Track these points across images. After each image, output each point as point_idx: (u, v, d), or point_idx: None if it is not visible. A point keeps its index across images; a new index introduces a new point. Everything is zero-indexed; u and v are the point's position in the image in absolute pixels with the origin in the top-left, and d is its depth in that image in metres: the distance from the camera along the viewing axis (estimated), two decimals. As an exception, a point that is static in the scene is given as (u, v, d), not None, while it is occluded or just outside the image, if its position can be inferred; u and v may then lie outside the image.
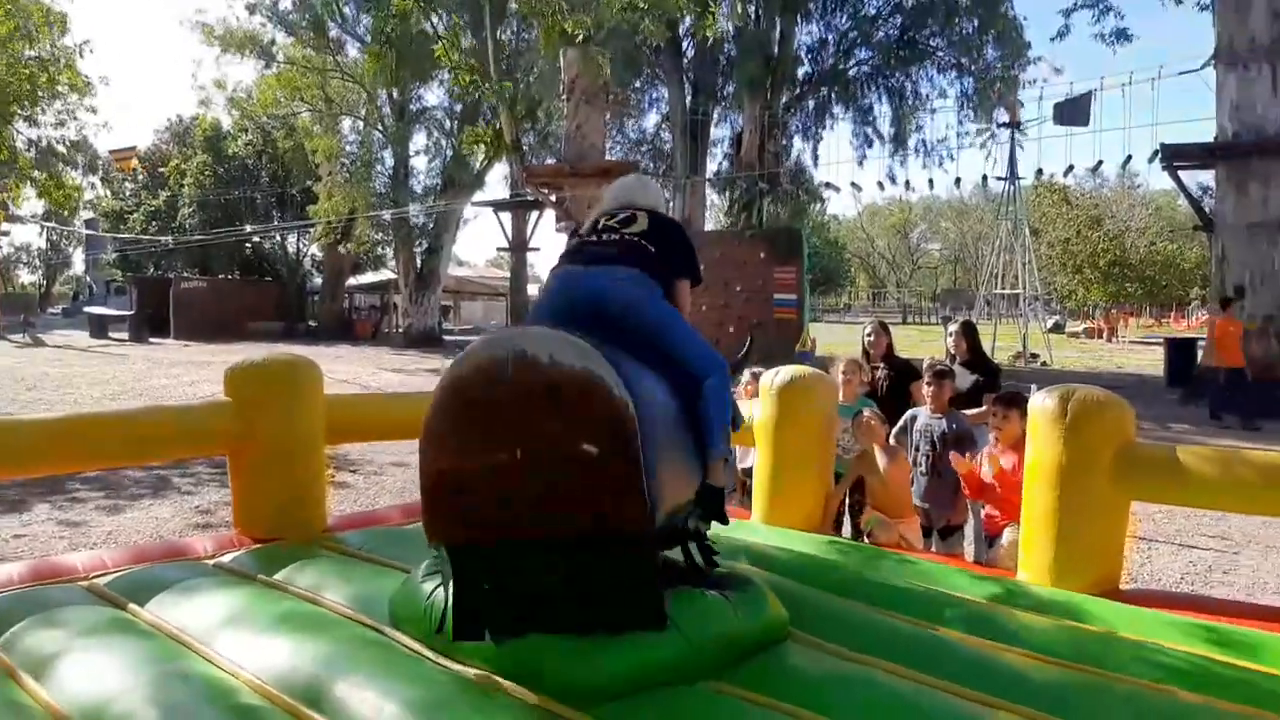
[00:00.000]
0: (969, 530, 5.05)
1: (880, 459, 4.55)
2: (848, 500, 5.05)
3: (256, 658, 2.68)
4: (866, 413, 4.68)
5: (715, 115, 25.46)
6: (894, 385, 5.42)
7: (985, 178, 26.38)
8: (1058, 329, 38.02)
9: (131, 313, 34.55)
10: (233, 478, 4.35)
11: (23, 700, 2.56)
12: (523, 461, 2.42)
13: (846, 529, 5.12)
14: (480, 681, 2.48)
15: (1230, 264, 15.66)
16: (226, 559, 3.81)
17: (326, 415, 4.34)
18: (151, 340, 31.16)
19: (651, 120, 28.10)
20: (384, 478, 8.72)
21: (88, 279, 56.09)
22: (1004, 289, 28.12)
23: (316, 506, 4.32)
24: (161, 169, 39.34)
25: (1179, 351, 19.46)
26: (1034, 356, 24.40)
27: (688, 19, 16.43)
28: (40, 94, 15.47)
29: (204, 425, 4.15)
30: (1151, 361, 24.44)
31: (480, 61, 13.54)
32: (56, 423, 4.01)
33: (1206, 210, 17.40)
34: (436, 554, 2.93)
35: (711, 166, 25.72)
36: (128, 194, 41.23)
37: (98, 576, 3.65)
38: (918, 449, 4.84)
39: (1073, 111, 22.20)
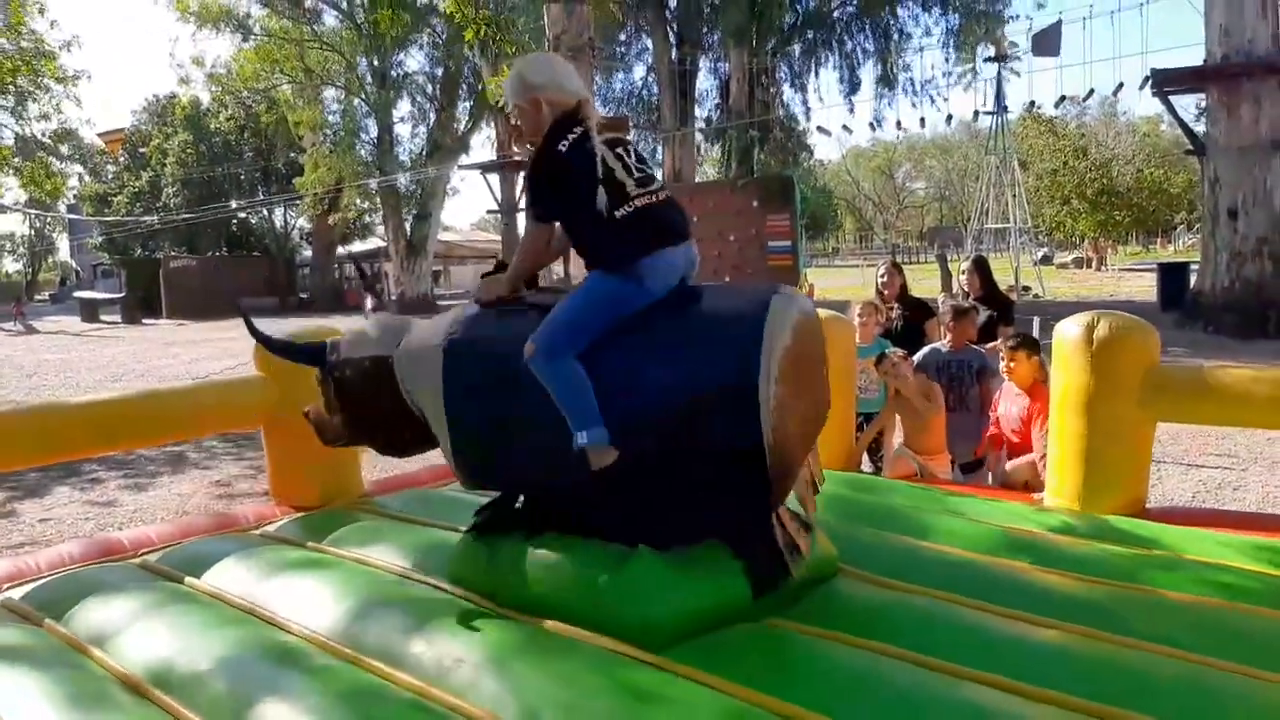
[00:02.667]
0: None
1: (918, 399, 4.60)
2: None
3: (324, 619, 2.75)
4: (893, 354, 4.72)
5: (702, 65, 25.22)
6: (909, 324, 5.48)
7: (976, 113, 26.24)
8: (1046, 261, 38.08)
9: (122, 295, 34.37)
10: (269, 449, 4.41)
11: (92, 668, 2.64)
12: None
13: (866, 467, 5.21)
14: (551, 630, 2.56)
15: (1223, 187, 15.69)
16: (272, 528, 3.89)
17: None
18: (144, 321, 31.05)
19: (638, 73, 27.81)
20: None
21: (74, 264, 55.66)
22: (993, 223, 28.11)
23: (353, 473, 4.40)
24: (143, 149, 38.87)
25: (1171, 276, 19.61)
26: (1025, 289, 24.50)
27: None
28: (20, 86, 15.26)
29: (240, 400, 4.21)
30: (1141, 288, 24.58)
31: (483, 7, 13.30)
32: (97, 405, 4.06)
33: (1197, 134, 17.39)
34: (481, 512, 3.03)
35: (700, 117, 25.50)
36: (110, 176, 40.77)
37: (147, 553, 3.73)
38: (927, 380, 4.90)
39: (1045, 42, 22.17)
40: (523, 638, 2.50)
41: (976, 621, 2.60)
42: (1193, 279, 17.86)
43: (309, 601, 2.87)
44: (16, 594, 3.23)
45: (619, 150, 2.73)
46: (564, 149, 2.66)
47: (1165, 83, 16.74)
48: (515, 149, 24.07)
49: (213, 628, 2.72)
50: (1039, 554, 3.11)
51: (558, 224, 2.83)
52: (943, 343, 5.03)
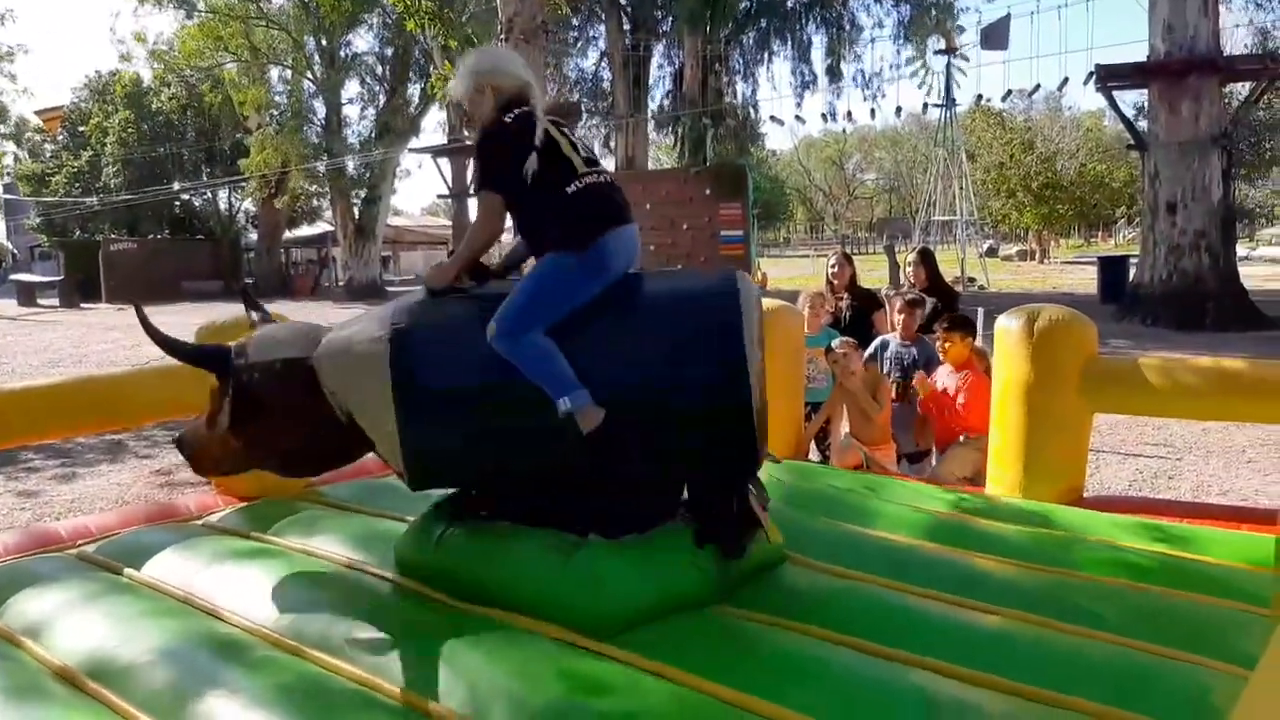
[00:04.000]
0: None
1: (862, 392, 4.65)
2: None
3: (267, 610, 2.72)
4: (838, 344, 4.77)
5: (655, 52, 25.17)
6: (857, 315, 5.54)
7: (926, 105, 26.56)
8: (992, 253, 38.76)
9: (60, 278, 33.42)
10: (210, 438, 4.32)
11: (25, 660, 2.58)
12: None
13: (814, 456, 5.26)
14: (499, 619, 2.55)
15: (1162, 181, 16.07)
16: (214, 518, 3.82)
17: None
18: (83, 305, 30.23)
19: (591, 59, 27.67)
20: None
21: (9, 246, 54.01)
22: (940, 215, 28.51)
23: (298, 462, 4.32)
24: (82, 128, 37.71)
25: (1111, 269, 20.08)
26: (971, 280, 24.92)
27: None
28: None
29: (180, 387, 4.09)
30: (1082, 281, 25.12)
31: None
32: (31, 391, 3.96)
33: (1139, 130, 17.78)
34: (437, 502, 3.00)
35: (653, 104, 25.47)
36: (48, 155, 39.56)
37: (85, 543, 3.64)
38: (888, 376, 4.98)
39: (994, 36, 22.57)
40: (471, 628, 2.49)
41: (920, 607, 2.65)
42: (1132, 272, 18.29)
43: (251, 592, 2.83)
44: (-52, 586, 3.14)
45: (564, 129, 2.82)
46: (509, 120, 2.74)
47: (1109, 78, 17.08)
48: (467, 133, 23.84)
49: (151, 619, 2.67)
50: (980, 541, 3.18)
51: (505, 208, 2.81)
52: (894, 334, 5.10)
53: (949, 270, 24.91)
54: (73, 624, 2.69)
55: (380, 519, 3.61)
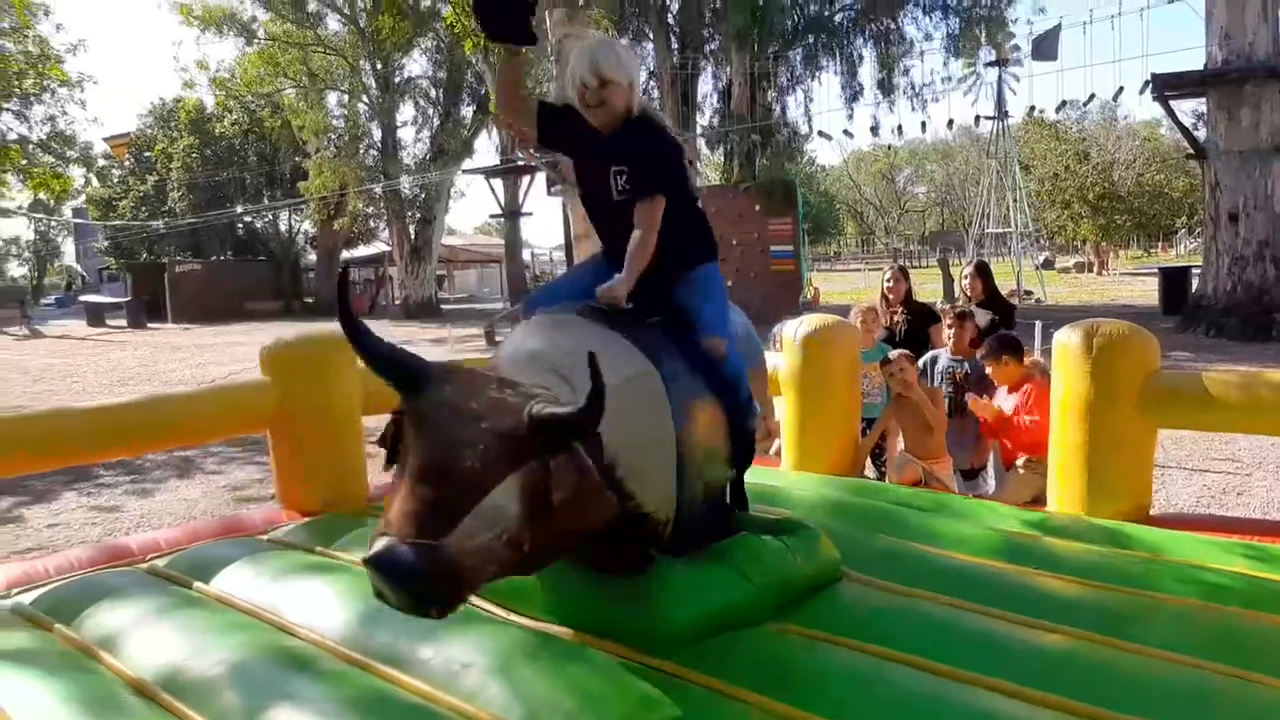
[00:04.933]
0: (990, 470, 5.17)
1: (926, 402, 4.62)
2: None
3: (332, 624, 2.77)
4: (895, 355, 4.74)
5: (703, 69, 25.27)
6: (912, 329, 5.50)
7: (978, 118, 26.25)
8: (1048, 265, 38.13)
9: (128, 299, 34.44)
10: (274, 454, 4.43)
11: (102, 673, 2.66)
12: None
13: (869, 471, 5.22)
14: (558, 636, 2.58)
15: (1223, 191, 15.69)
16: (279, 533, 3.90)
17: (361, 388, 4.42)
18: (150, 326, 31.11)
19: (640, 78, 27.83)
20: (403, 448, 8.80)
21: (79, 268, 55.78)
22: (994, 228, 28.13)
23: (359, 477, 4.42)
24: (148, 153, 38.93)
25: (1173, 280, 19.61)
26: (1028, 293, 24.52)
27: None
28: (24, 89, 15.41)
29: (247, 404, 4.23)
30: (1143, 292, 24.56)
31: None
32: (103, 410, 4.08)
33: (1198, 138, 17.39)
34: None
35: (701, 121, 25.56)
36: (115, 180, 40.86)
37: (155, 558, 3.75)
38: (932, 387, 4.93)
39: (1044, 47, 22.34)
40: (530, 643, 2.51)
41: (980, 626, 2.62)
42: (1194, 283, 17.86)
43: (317, 606, 2.89)
44: (26, 599, 3.25)
45: None
46: (674, 138, 2.86)
47: (1165, 87, 16.75)
48: (519, 154, 24.12)
49: (221, 632, 2.74)
50: (1043, 559, 3.13)
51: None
52: (944, 349, 5.05)
53: (1004, 283, 24.67)
54: (146, 636, 2.76)
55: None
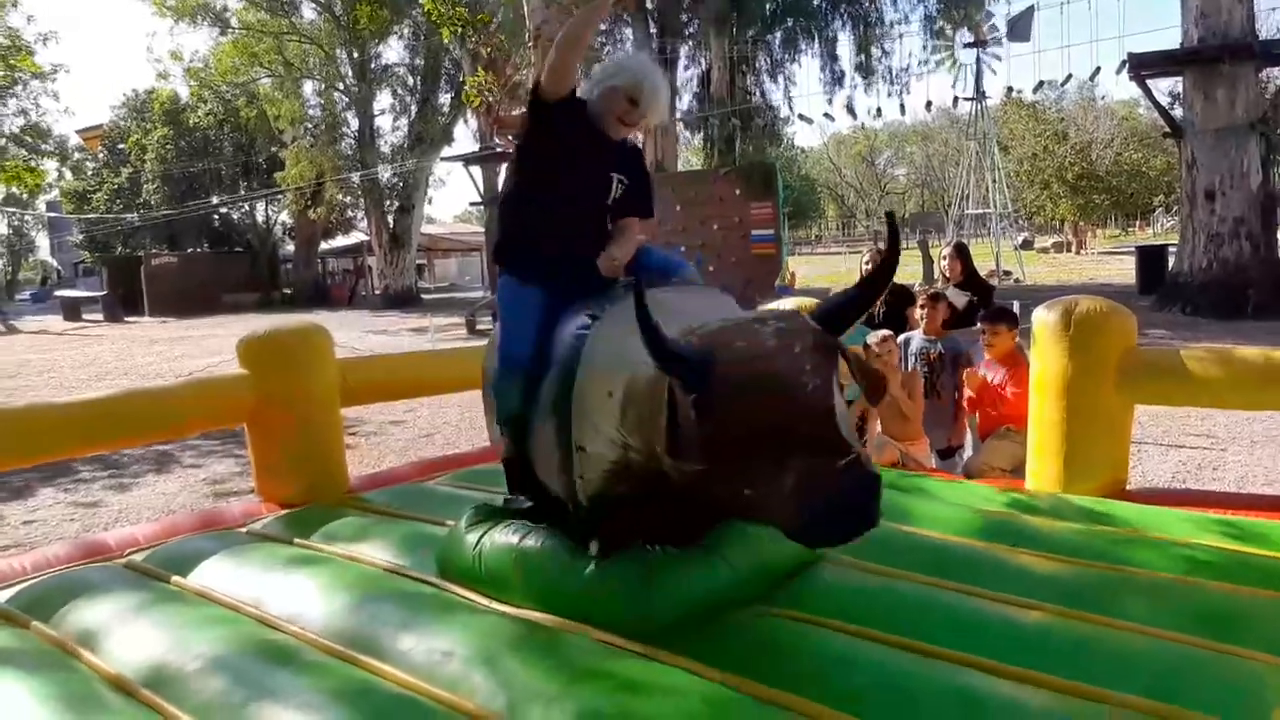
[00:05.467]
0: (968, 447, 5.20)
1: (897, 389, 4.63)
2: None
3: (312, 616, 2.76)
4: (877, 339, 4.75)
5: (682, 54, 25.17)
6: (891, 310, 5.51)
7: (955, 99, 26.31)
8: (1027, 245, 38.34)
9: (104, 293, 34.11)
10: (253, 446, 4.40)
11: (81, 669, 2.64)
12: None
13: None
14: (539, 622, 2.58)
15: (1200, 169, 15.80)
16: (258, 525, 3.88)
17: (340, 379, 4.39)
18: (127, 319, 30.83)
19: (617, 62, 27.70)
20: (384, 437, 8.77)
21: (54, 262, 55.16)
22: (974, 209, 28.24)
23: (338, 469, 4.40)
24: (122, 145, 38.47)
25: (1150, 259, 19.75)
26: (1007, 274, 24.67)
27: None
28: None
29: (222, 397, 4.19)
30: (1120, 271, 24.76)
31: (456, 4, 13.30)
32: (79, 405, 4.04)
33: (1175, 117, 17.50)
34: (475, 505, 3.03)
35: (681, 106, 25.48)
36: (89, 173, 40.37)
37: (133, 552, 3.72)
38: (911, 370, 4.95)
39: (1018, 28, 22.47)
40: (511, 630, 2.52)
41: (959, 604, 2.63)
42: (1171, 261, 18.00)
43: (297, 598, 2.88)
44: (2, 596, 3.22)
45: None
46: None
47: (1141, 66, 16.82)
48: (496, 140, 23.98)
49: (201, 627, 2.72)
50: (1020, 537, 3.15)
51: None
52: (918, 330, 5.07)
53: (984, 264, 24.81)
54: (125, 633, 2.74)
55: (420, 523, 3.65)
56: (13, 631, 2.89)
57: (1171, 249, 18.86)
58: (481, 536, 2.86)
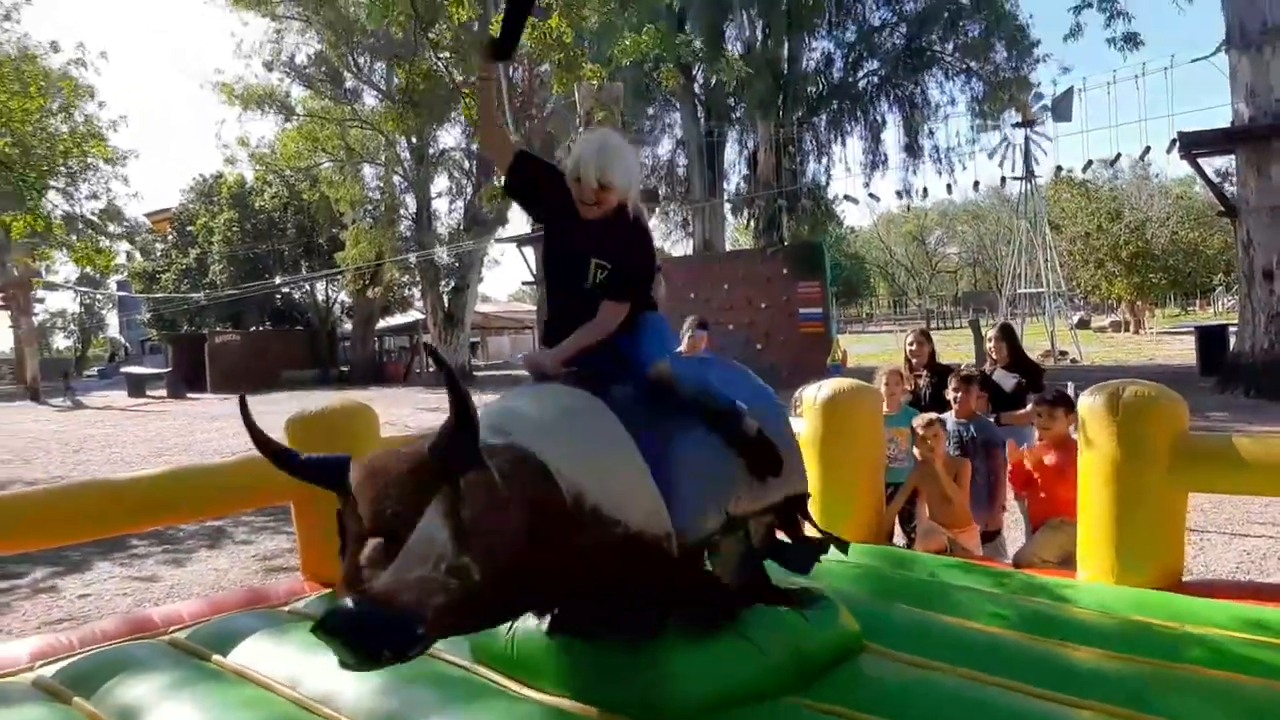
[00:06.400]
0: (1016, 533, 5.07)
1: (943, 471, 4.56)
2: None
3: (345, 699, 2.76)
4: (921, 422, 4.69)
5: (729, 137, 25.65)
6: (937, 392, 5.45)
7: (1004, 179, 26.32)
8: (1083, 325, 37.75)
9: (168, 370, 35.07)
10: (298, 524, 4.46)
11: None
12: None
13: (898, 538, 5.14)
14: (571, 710, 2.55)
15: (1256, 248, 15.51)
16: (300, 604, 3.91)
17: (385, 459, 4.45)
18: (189, 396, 31.58)
19: (666, 146, 28.34)
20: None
21: (122, 340, 57.02)
22: (1027, 288, 27.97)
23: (381, 548, 4.41)
24: (190, 227, 40.04)
25: (1210, 339, 19.27)
26: (1062, 354, 24.26)
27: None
28: (71, 167, 16.04)
29: (272, 475, 4.24)
30: (1181, 351, 24.21)
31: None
32: (134, 482, 4.14)
33: (1228, 195, 17.28)
34: None
35: (729, 187, 25.90)
36: (158, 254, 41.98)
37: (177, 630, 3.76)
38: (958, 457, 4.86)
39: (1060, 109, 22.60)
40: (542, 716, 2.49)
41: (1003, 701, 2.55)
42: (1232, 341, 17.59)
43: (332, 680, 2.88)
44: (49, 671, 3.28)
45: None
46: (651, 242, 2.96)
47: (1192, 145, 16.70)
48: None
49: (237, 707, 2.75)
50: (1067, 630, 3.06)
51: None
52: (950, 413, 5.00)
53: (1039, 343, 24.50)
54: (163, 711, 2.77)
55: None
56: (56, 707, 2.94)
57: (1232, 329, 18.44)
58: (515, 620, 2.85)
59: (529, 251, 33.06)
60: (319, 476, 2.22)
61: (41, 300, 43.27)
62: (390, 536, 1.94)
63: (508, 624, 2.87)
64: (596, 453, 2.39)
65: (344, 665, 1.88)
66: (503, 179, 2.99)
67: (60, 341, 70.27)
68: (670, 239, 31.40)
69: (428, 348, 3.11)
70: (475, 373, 33.64)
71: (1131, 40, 19.43)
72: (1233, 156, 16.93)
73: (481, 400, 2.41)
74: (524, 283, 36.58)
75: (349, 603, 1.84)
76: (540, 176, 2.93)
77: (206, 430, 18.76)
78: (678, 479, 2.56)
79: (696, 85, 24.37)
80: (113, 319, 62.69)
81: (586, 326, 2.75)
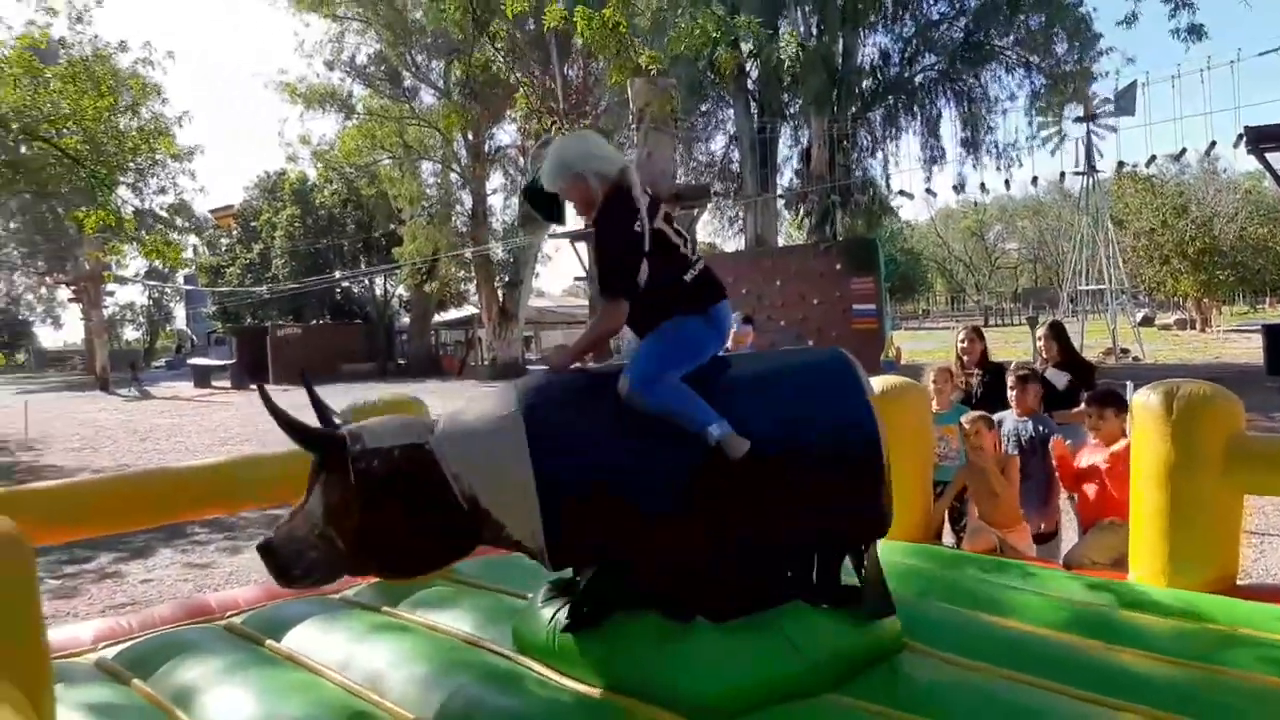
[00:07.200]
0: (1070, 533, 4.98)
1: (994, 468, 4.50)
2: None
3: (392, 685, 2.83)
4: (968, 419, 4.64)
5: (783, 132, 25.46)
6: (989, 390, 5.38)
7: (1063, 174, 25.74)
8: (1147, 322, 36.80)
9: (232, 361, 35.94)
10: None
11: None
12: None
13: (947, 537, 5.09)
14: (610, 701, 2.59)
15: (1330, 244, 14.99)
16: (351, 593, 4.01)
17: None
18: (252, 387, 32.27)
19: (720, 142, 28.23)
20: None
21: (189, 332, 58.52)
22: (1088, 284, 27.33)
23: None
24: (254, 223, 41.03)
25: (1278, 338, 18.64)
26: (1125, 352, 23.68)
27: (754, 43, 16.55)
28: (139, 162, 16.48)
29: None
30: (1248, 350, 23.48)
31: (550, 100, 13.89)
32: (196, 470, 4.29)
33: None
34: (551, 581, 3.07)
35: (782, 183, 25.68)
36: (223, 249, 43.07)
37: (233, 615, 3.89)
38: (1006, 454, 4.79)
39: (1123, 103, 22.04)
40: (581, 706, 2.53)
41: (1045, 703, 2.53)
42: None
43: (379, 666, 2.96)
44: (110, 653, 3.41)
45: (675, 224, 2.93)
46: (638, 229, 2.79)
47: (1260, 140, 16.13)
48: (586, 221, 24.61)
49: (287, 691, 2.83)
50: (1114, 632, 3.01)
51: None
52: (1010, 411, 4.93)
53: (1101, 341, 23.93)
54: (217, 693, 2.87)
55: (505, 596, 3.70)
56: (115, 687, 3.05)
57: (1304, 327, 17.84)
58: (556, 612, 2.90)
59: (581, 247, 33.19)
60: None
61: (111, 293, 44.67)
62: (303, 500, 2.82)
63: (550, 614, 2.91)
64: (491, 463, 2.68)
65: None
66: None
67: (129, 333, 72.32)
68: (723, 234, 31.34)
69: (260, 390, 3.19)
70: (528, 367, 33.89)
71: (1196, 32, 18.81)
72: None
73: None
74: (576, 278, 36.74)
75: (263, 539, 2.78)
76: None
77: (268, 421, 19.12)
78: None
79: (750, 81, 24.21)
80: (179, 312, 64.37)
81: (588, 326, 2.94)
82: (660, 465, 2.66)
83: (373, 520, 2.67)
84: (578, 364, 3.05)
